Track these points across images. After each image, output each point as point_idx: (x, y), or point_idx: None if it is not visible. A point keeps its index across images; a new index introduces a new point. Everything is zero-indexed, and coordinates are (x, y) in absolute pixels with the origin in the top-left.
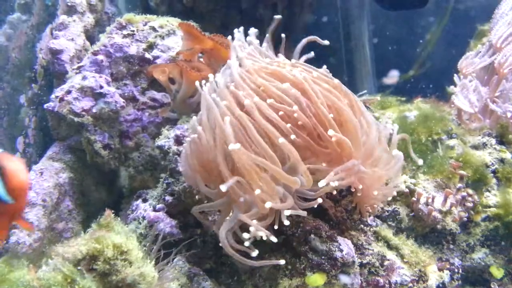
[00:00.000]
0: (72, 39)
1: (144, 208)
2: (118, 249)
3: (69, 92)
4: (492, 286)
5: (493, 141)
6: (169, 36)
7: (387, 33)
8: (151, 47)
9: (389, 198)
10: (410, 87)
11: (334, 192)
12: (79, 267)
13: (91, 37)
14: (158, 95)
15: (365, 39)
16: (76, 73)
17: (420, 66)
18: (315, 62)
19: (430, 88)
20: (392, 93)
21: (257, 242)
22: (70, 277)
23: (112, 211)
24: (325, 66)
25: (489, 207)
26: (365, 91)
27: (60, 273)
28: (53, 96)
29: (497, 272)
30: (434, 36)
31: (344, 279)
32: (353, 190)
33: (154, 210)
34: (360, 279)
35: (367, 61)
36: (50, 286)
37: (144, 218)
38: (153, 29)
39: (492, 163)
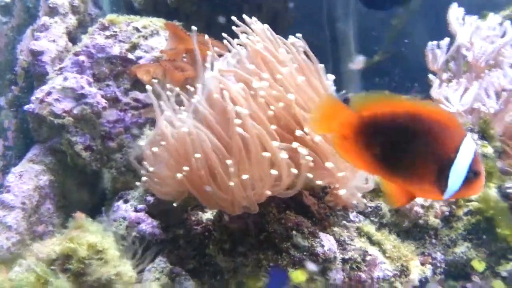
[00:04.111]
0: (54, 41)
1: (125, 209)
2: (93, 248)
3: (49, 93)
4: (473, 279)
5: (475, 136)
6: (152, 37)
7: (372, 33)
8: (134, 47)
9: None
10: (396, 86)
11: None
12: (52, 267)
13: (73, 39)
14: (141, 96)
15: (351, 38)
16: (57, 74)
17: (385, 52)
18: None
19: (415, 86)
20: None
21: (239, 240)
22: (43, 278)
23: (84, 213)
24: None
25: (471, 201)
26: (344, 91)
27: (33, 274)
28: (33, 97)
29: (479, 265)
30: (399, 22)
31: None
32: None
33: (135, 210)
34: (343, 275)
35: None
36: (22, 287)
37: (124, 219)
38: (137, 29)
39: None
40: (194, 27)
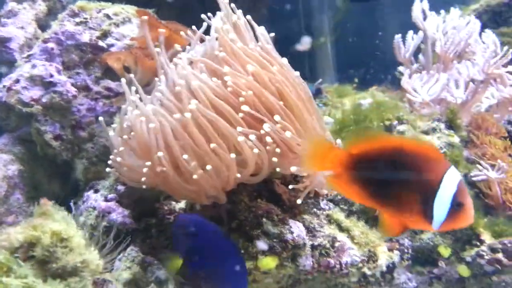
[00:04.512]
0: (22, 27)
1: (95, 199)
2: (57, 236)
3: (17, 81)
4: (440, 265)
5: (442, 126)
6: (124, 24)
7: (347, 25)
8: (105, 35)
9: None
10: (370, 78)
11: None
12: (16, 255)
13: (43, 26)
14: (112, 84)
15: (326, 30)
16: (26, 61)
17: (332, 34)
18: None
19: (388, 78)
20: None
21: None
22: (6, 265)
23: (52, 202)
24: None
25: None
26: (321, 79)
27: None
28: (0, 85)
29: (445, 251)
30: (344, 5)
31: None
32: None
33: (106, 200)
34: (312, 261)
35: (328, 53)
36: None
37: (94, 208)
38: (108, 16)
39: (441, 147)
40: (144, 17)
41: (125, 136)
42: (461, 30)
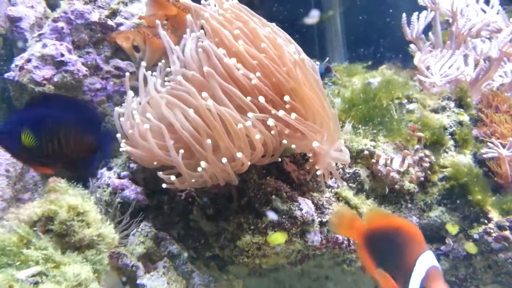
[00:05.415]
0: (32, 7)
1: (109, 176)
2: (74, 210)
3: (29, 60)
4: (447, 242)
5: (452, 104)
6: (132, 3)
7: (357, 3)
8: (114, 14)
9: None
10: (380, 57)
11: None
12: (34, 228)
13: (53, 6)
14: (122, 64)
15: (336, 8)
16: (36, 41)
17: (340, 6)
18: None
19: (399, 57)
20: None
21: (222, 206)
22: (26, 238)
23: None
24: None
25: (446, 167)
26: (328, 58)
27: (15, 235)
28: (13, 65)
29: (453, 228)
30: None
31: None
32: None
33: (119, 177)
34: (320, 237)
35: (338, 31)
36: (5, 247)
37: (108, 185)
38: None
39: (450, 126)
40: None
41: (130, 131)
42: (471, 5)
